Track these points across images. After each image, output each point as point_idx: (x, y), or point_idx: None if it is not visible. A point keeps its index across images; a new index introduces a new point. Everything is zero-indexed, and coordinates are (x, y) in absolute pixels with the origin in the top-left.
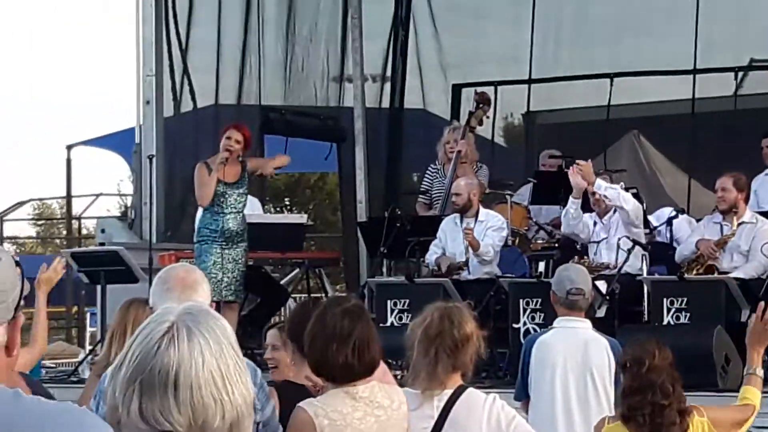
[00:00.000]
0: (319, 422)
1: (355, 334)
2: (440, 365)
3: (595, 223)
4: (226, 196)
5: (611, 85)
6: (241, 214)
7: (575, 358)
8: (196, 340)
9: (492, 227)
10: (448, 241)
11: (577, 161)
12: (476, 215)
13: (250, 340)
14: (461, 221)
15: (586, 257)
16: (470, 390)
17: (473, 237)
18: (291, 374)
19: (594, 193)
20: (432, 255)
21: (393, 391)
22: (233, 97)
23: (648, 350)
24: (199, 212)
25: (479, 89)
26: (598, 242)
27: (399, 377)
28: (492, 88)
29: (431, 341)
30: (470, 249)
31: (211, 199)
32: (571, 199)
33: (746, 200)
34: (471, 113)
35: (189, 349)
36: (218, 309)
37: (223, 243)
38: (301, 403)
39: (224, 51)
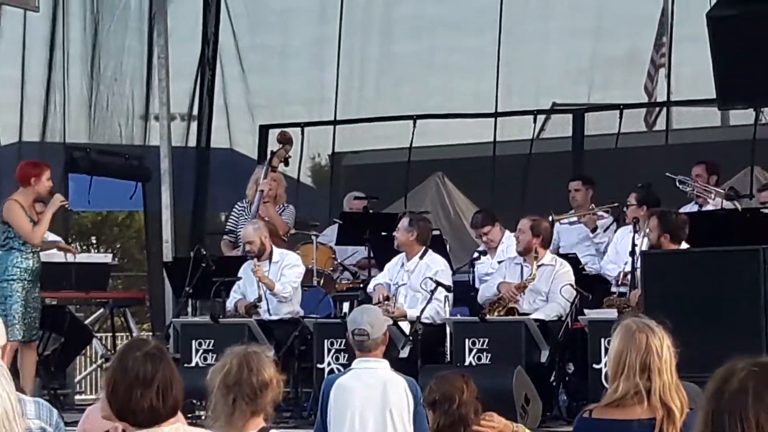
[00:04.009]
0: None
1: (158, 377)
2: (237, 412)
3: (402, 264)
4: None
5: (414, 126)
6: (38, 254)
7: (374, 399)
8: None
9: (287, 265)
10: (247, 286)
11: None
12: (270, 257)
13: (53, 380)
14: None
15: (387, 302)
16: None
17: (262, 273)
18: None
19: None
20: (232, 300)
21: None
22: (37, 135)
23: (457, 386)
24: None
25: (282, 129)
26: (403, 285)
27: (203, 418)
28: (299, 129)
29: (230, 389)
30: (264, 286)
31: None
32: None
33: (545, 245)
34: (273, 153)
35: None
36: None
37: (29, 282)
38: None
39: (28, 88)
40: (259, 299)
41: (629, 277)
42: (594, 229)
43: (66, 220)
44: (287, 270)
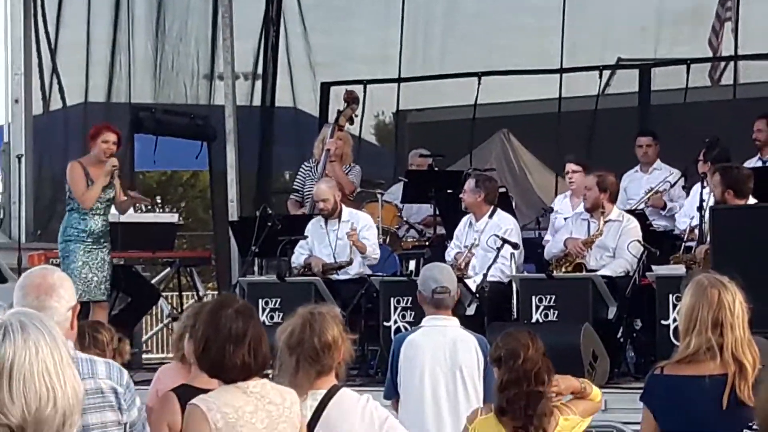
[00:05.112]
0: (212, 416)
1: (249, 333)
2: (301, 372)
3: (470, 225)
4: None
5: (479, 83)
6: (105, 216)
7: (444, 357)
8: (31, 332)
9: (365, 227)
10: (315, 243)
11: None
12: (339, 216)
13: None
14: (326, 224)
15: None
16: (344, 390)
17: (357, 238)
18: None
19: None
20: (299, 257)
21: (285, 390)
22: (102, 96)
23: (522, 342)
24: None
25: (348, 87)
26: (476, 246)
27: (270, 377)
28: (361, 86)
29: (292, 349)
30: (356, 251)
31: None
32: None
33: (612, 199)
34: (339, 112)
35: (23, 338)
36: (88, 309)
37: (90, 243)
38: (193, 400)
39: (93, 49)
40: (350, 262)
41: (696, 231)
42: (664, 207)
43: (132, 180)
44: (366, 232)
